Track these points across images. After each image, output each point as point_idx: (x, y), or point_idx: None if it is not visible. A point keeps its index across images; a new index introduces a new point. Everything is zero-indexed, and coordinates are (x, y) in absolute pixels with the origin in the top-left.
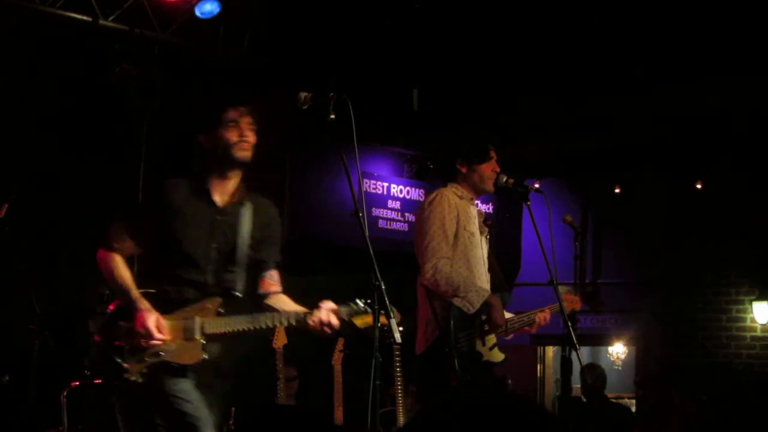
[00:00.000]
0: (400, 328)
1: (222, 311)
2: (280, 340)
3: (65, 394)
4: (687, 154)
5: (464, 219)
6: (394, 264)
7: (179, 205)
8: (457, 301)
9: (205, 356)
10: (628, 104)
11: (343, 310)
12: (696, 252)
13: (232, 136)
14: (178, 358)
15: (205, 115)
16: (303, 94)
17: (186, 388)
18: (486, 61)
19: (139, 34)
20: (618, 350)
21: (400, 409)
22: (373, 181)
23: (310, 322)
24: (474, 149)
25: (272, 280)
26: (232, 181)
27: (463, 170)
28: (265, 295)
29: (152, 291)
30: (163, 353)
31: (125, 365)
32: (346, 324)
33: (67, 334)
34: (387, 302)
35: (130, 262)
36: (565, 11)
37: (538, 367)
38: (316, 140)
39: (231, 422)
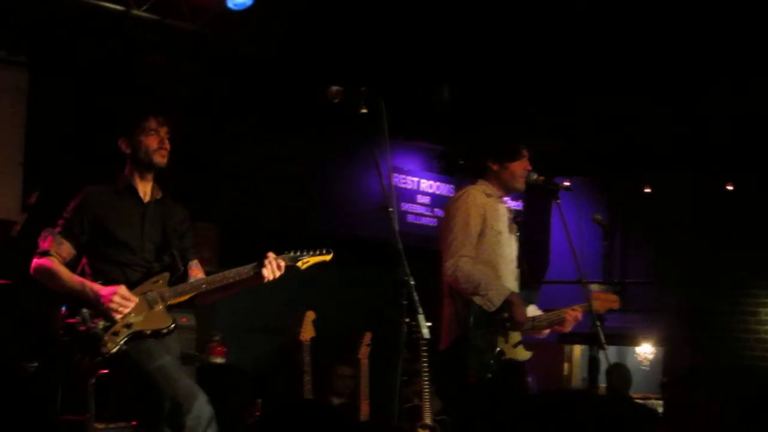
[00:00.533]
0: (428, 324)
1: (173, 281)
2: (307, 333)
3: (93, 381)
4: (718, 155)
5: (491, 217)
6: (422, 259)
7: (108, 203)
8: (477, 299)
9: (173, 322)
10: (659, 103)
11: (286, 257)
12: (725, 253)
13: (153, 143)
14: (150, 325)
15: (126, 121)
16: (334, 88)
17: (170, 361)
18: (516, 58)
19: (170, 24)
20: (645, 350)
21: (426, 405)
22: (402, 176)
23: (263, 270)
24: (506, 147)
25: (198, 267)
26: (150, 182)
27: (495, 168)
28: (197, 280)
29: (99, 282)
30: (133, 324)
31: (105, 338)
32: (290, 267)
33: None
34: (415, 297)
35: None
36: (595, 9)
37: (565, 366)
38: (345, 134)
39: (257, 413)
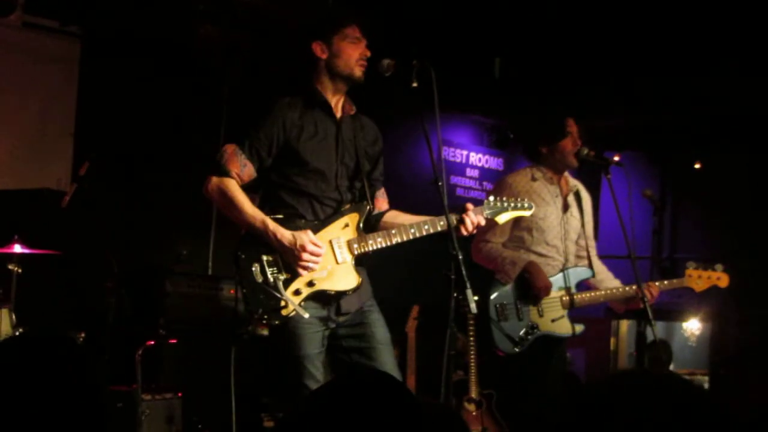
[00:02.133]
0: (476, 298)
1: (362, 227)
2: None
3: (140, 352)
4: None
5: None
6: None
7: (300, 120)
8: (497, 275)
9: (360, 279)
10: (711, 79)
11: (486, 208)
12: None
13: (355, 52)
14: (334, 284)
15: (326, 22)
16: (386, 61)
17: (321, 352)
18: (568, 32)
19: None
20: (693, 326)
21: (473, 378)
22: (452, 149)
23: (462, 227)
24: (550, 128)
25: (383, 197)
26: (343, 96)
27: (545, 151)
28: (380, 214)
29: (280, 216)
30: (316, 281)
31: (285, 297)
32: (488, 221)
33: (143, 292)
34: (464, 272)
35: None
36: None
37: (612, 341)
38: (396, 107)
39: None
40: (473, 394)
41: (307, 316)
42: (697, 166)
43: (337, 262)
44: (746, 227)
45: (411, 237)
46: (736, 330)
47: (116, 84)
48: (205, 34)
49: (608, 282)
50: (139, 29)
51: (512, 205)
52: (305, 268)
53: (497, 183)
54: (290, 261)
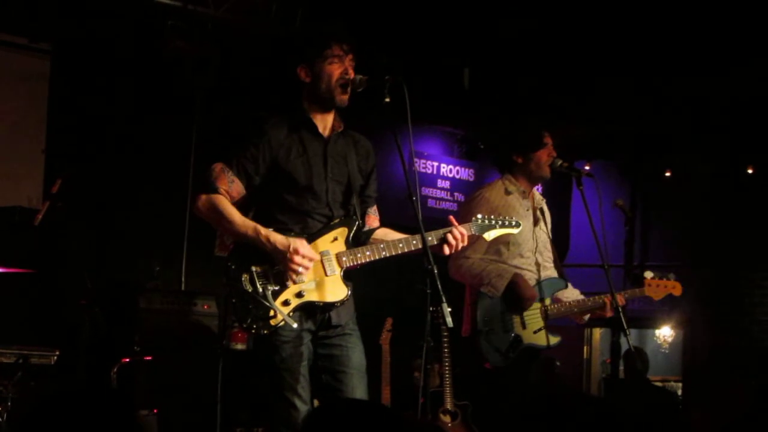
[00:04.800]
0: (449, 310)
1: (350, 241)
2: None
3: (116, 369)
4: (738, 138)
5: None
6: None
7: (286, 139)
8: (483, 289)
9: (349, 291)
10: (680, 87)
11: (474, 226)
12: (745, 236)
13: (335, 72)
14: (323, 295)
15: (306, 47)
16: (358, 77)
17: (305, 366)
18: (537, 42)
19: (192, 10)
20: (665, 333)
21: (448, 390)
22: (423, 161)
23: (450, 239)
24: (528, 138)
25: (375, 215)
26: (331, 114)
27: (519, 161)
28: (371, 231)
29: (270, 230)
30: (305, 292)
31: (272, 310)
32: (473, 237)
33: (117, 310)
34: (439, 286)
35: None
36: None
37: (585, 349)
38: (367, 121)
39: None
40: (449, 406)
41: (295, 325)
42: (667, 174)
43: (326, 275)
44: (714, 235)
45: (399, 251)
46: (706, 336)
47: (87, 100)
48: (175, 48)
49: (570, 293)
50: (108, 45)
51: (500, 222)
52: (295, 271)
53: (472, 198)
54: (281, 264)
